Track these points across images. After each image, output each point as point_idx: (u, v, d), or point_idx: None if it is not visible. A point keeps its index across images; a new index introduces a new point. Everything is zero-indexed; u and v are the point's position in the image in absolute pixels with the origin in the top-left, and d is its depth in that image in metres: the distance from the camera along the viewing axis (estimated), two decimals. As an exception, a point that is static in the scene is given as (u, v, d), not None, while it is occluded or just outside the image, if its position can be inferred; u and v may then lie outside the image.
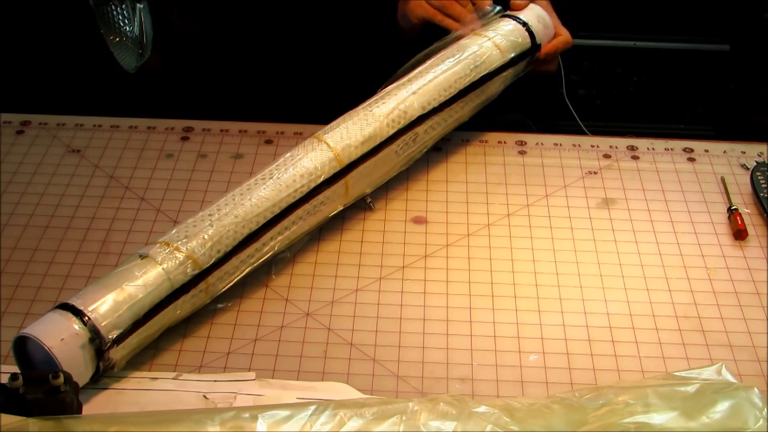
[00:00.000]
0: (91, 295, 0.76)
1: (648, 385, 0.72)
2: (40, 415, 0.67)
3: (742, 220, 0.95)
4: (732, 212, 0.96)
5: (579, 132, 1.18)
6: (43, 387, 0.68)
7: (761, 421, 0.68)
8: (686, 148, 1.07)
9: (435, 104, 0.96)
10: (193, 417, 0.68)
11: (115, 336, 0.75)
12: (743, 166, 1.04)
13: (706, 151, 1.07)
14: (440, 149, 1.05)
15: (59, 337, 0.72)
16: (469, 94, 0.99)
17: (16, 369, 0.73)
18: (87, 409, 0.74)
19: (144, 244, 0.84)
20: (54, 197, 0.98)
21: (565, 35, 1.08)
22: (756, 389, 0.70)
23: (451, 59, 0.99)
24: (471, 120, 1.04)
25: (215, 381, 0.78)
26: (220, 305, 0.85)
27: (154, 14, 1.14)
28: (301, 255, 0.92)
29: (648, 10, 1.67)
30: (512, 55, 1.03)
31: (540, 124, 1.31)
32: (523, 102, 1.23)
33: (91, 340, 0.73)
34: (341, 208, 0.93)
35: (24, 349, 0.74)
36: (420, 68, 0.99)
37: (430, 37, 1.06)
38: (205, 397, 0.76)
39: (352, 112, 0.95)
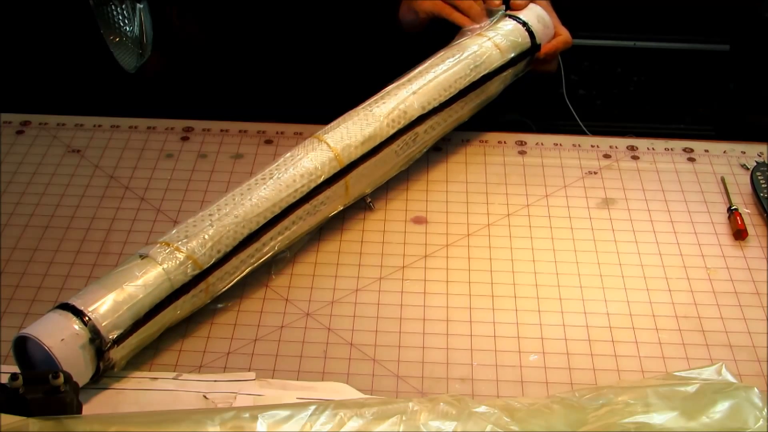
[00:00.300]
0: (92, 295, 0.76)
1: (648, 385, 0.71)
2: (40, 415, 0.67)
3: (742, 220, 0.95)
4: (732, 212, 0.96)
5: (579, 132, 1.18)
6: (43, 387, 0.68)
7: (761, 421, 0.68)
8: (686, 148, 1.07)
9: (435, 104, 0.96)
10: (193, 417, 0.68)
11: (115, 336, 0.75)
12: (743, 166, 1.04)
13: (706, 151, 1.07)
14: (440, 149, 1.05)
15: (59, 337, 0.72)
16: (469, 94, 0.99)
17: (16, 369, 0.73)
18: (87, 409, 0.74)
19: (144, 244, 0.84)
20: (54, 197, 0.98)
21: (564, 35, 1.08)
22: (756, 389, 0.70)
23: (451, 59, 0.99)
24: (471, 120, 1.04)
25: (215, 381, 0.78)
26: (220, 305, 0.85)
27: (154, 14, 1.14)
28: (301, 255, 0.92)
29: (648, 10, 1.66)
30: (512, 55, 1.03)
31: (540, 124, 1.31)
32: (523, 102, 1.23)
33: (92, 340, 0.73)
34: (341, 208, 0.93)
35: (24, 349, 0.74)
36: (420, 68, 0.99)
37: (435, 33, 1.06)
38: (205, 397, 0.76)
39: (352, 112, 0.95)
